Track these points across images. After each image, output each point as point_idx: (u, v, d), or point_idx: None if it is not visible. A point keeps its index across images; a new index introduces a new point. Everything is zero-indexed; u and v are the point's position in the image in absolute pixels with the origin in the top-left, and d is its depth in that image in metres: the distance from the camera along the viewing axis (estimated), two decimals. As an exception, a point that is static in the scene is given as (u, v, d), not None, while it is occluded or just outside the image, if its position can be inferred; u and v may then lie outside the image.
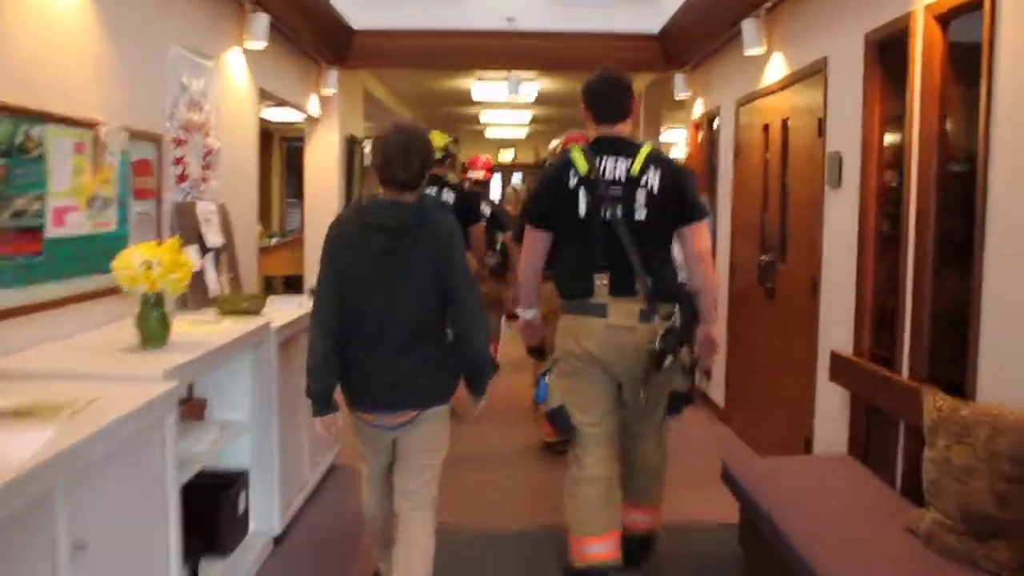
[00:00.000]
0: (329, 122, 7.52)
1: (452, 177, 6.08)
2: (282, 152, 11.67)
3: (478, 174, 6.85)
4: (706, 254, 3.19)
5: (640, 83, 9.07)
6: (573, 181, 3.15)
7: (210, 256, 4.43)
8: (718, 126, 6.46)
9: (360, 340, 2.76)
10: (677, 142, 12.77)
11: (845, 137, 4.00)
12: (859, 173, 3.86)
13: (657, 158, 3.17)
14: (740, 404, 5.78)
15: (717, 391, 6.28)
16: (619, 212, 3.10)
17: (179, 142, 4.19)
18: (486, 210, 6.29)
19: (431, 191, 5.73)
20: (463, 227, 3.04)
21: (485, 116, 12.64)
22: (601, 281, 3.13)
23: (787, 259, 4.90)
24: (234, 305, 3.95)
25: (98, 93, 3.39)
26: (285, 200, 11.80)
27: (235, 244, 4.90)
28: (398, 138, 2.73)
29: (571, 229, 3.19)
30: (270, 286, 8.79)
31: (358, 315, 2.74)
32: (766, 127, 5.33)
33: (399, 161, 2.71)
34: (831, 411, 4.13)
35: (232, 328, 3.44)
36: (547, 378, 3.29)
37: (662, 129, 8.87)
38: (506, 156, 16.94)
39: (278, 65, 6.01)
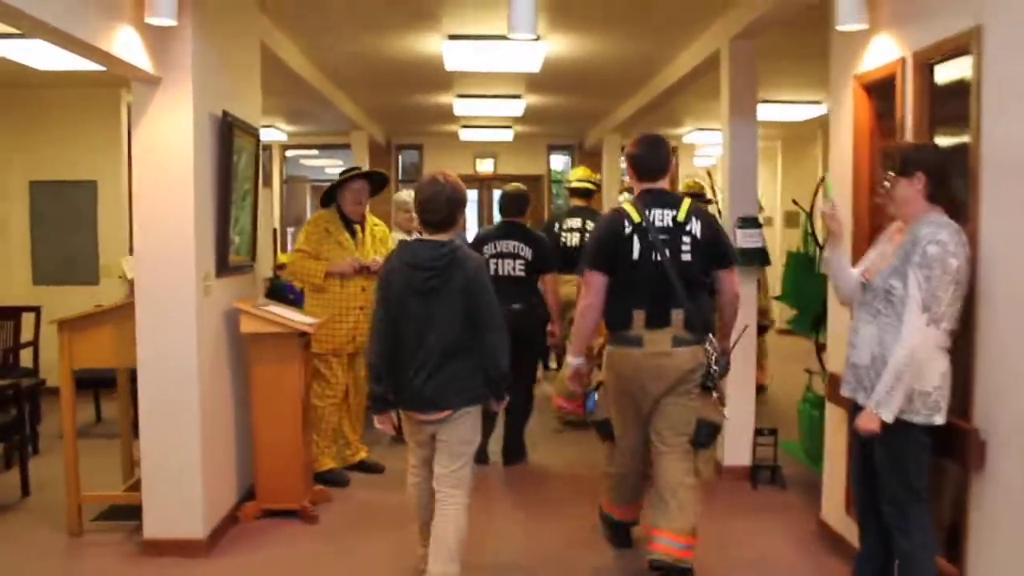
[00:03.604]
0: (176, 86, 3.98)
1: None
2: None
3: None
4: (738, 293, 3.85)
5: (715, 37, 5.62)
6: (628, 229, 3.66)
7: None
8: (975, 71, 3.03)
9: (405, 356, 3.45)
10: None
11: None
12: None
13: (698, 210, 3.74)
14: None
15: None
16: (667, 253, 3.62)
17: None
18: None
19: (575, 222, 6.44)
20: None
21: (461, 107, 9.09)
22: (638, 316, 3.62)
23: None
24: None
25: None
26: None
27: None
28: (432, 187, 3.47)
29: (624, 271, 3.68)
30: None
31: (403, 337, 3.45)
32: None
33: (432, 206, 3.45)
34: None
35: None
36: (596, 395, 4.04)
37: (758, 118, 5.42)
38: (484, 166, 13.45)
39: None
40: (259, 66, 5.19)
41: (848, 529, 4.04)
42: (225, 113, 4.30)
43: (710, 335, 3.65)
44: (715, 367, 3.65)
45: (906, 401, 3.00)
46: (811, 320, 5.58)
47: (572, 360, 3.93)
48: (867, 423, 3.07)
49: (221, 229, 4.32)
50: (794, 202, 6.23)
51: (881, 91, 3.85)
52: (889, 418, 3.00)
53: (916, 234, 3.02)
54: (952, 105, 3.30)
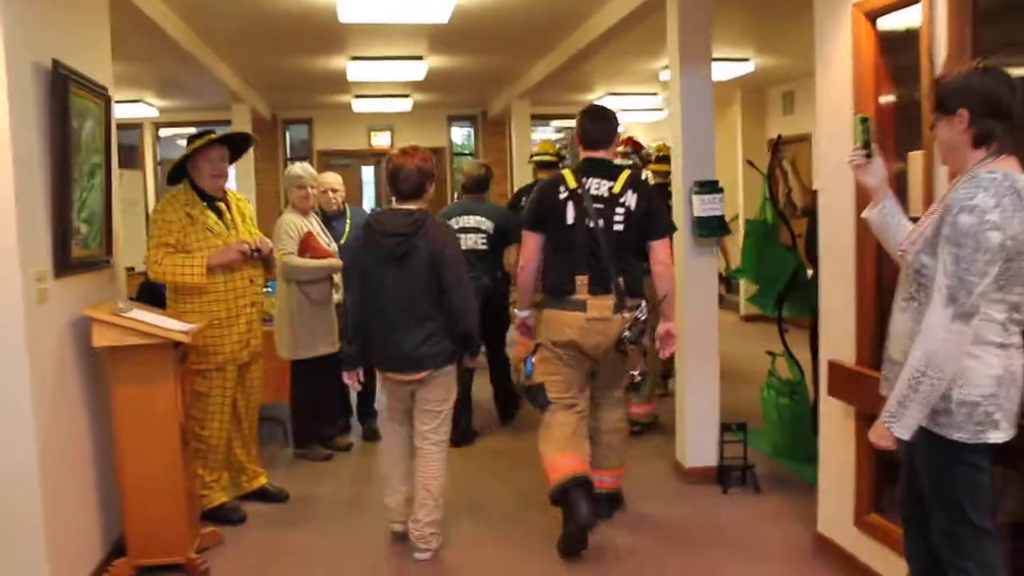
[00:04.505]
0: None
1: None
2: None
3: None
4: (669, 263, 3.84)
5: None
6: (563, 194, 3.83)
7: None
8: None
9: (379, 319, 3.68)
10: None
11: None
12: None
13: (635, 181, 3.87)
14: None
15: None
16: (600, 223, 3.75)
17: None
18: None
19: None
20: None
21: (355, 71, 8.08)
22: (581, 281, 3.76)
23: None
24: None
25: None
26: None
27: None
28: (402, 159, 3.66)
29: (559, 234, 3.85)
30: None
31: (376, 301, 3.67)
32: None
33: (402, 175, 3.63)
34: None
35: None
36: (532, 359, 3.97)
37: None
38: (380, 140, 12.46)
39: None
40: (107, 11, 4.13)
41: (859, 546, 3.39)
42: (57, 64, 3.27)
43: (642, 302, 3.79)
44: (627, 333, 3.73)
45: (943, 414, 2.32)
46: (775, 297, 4.92)
47: (519, 312, 4.12)
48: (877, 438, 2.41)
49: (58, 215, 3.30)
50: (749, 163, 5.56)
51: (892, 20, 3.16)
52: (904, 434, 2.32)
53: (951, 196, 2.31)
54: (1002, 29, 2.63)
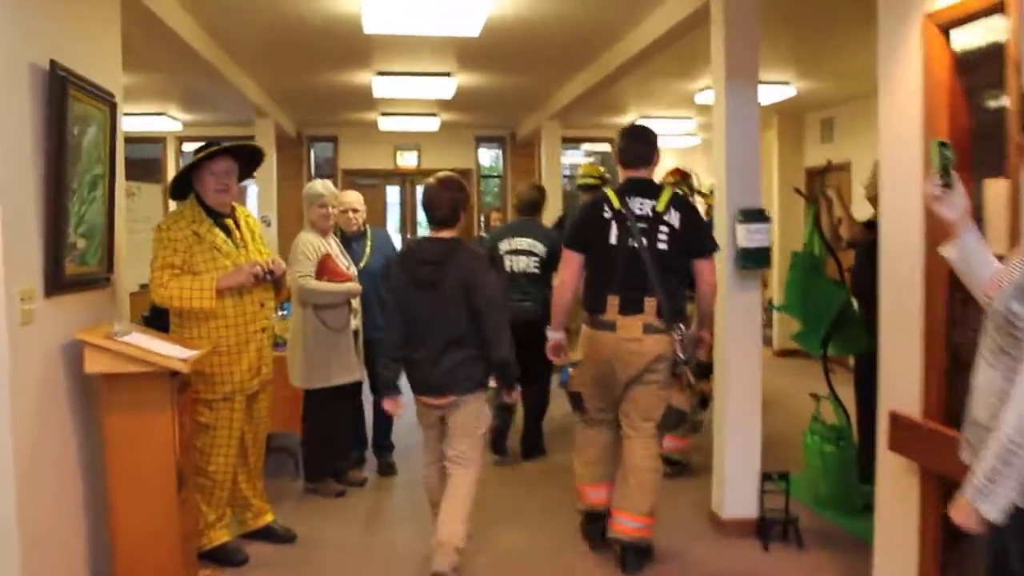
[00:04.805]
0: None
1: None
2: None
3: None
4: (714, 283, 3.89)
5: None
6: (607, 214, 3.83)
7: None
8: None
9: (414, 344, 3.66)
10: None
11: None
12: None
13: (678, 201, 3.86)
14: None
15: None
16: (644, 242, 3.74)
17: None
18: None
19: None
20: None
21: (381, 87, 7.83)
22: (612, 301, 3.75)
23: None
24: None
25: None
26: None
27: None
28: (437, 187, 3.65)
29: (600, 254, 3.83)
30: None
31: (410, 326, 3.66)
32: None
33: (436, 203, 3.63)
34: None
35: None
36: (571, 370, 4.12)
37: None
38: (407, 160, 12.22)
39: None
40: (118, 14, 3.90)
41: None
42: (55, 65, 3.03)
43: (680, 324, 3.74)
44: (681, 355, 3.72)
45: None
46: (822, 335, 4.57)
47: (551, 334, 4.05)
48: (961, 517, 2.04)
49: (52, 228, 3.04)
50: (796, 191, 5.24)
51: (969, 33, 2.85)
52: (994, 515, 1.96)
53: None
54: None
